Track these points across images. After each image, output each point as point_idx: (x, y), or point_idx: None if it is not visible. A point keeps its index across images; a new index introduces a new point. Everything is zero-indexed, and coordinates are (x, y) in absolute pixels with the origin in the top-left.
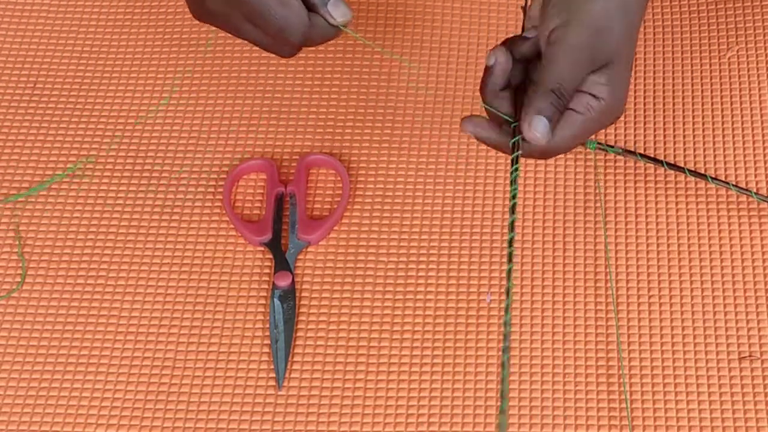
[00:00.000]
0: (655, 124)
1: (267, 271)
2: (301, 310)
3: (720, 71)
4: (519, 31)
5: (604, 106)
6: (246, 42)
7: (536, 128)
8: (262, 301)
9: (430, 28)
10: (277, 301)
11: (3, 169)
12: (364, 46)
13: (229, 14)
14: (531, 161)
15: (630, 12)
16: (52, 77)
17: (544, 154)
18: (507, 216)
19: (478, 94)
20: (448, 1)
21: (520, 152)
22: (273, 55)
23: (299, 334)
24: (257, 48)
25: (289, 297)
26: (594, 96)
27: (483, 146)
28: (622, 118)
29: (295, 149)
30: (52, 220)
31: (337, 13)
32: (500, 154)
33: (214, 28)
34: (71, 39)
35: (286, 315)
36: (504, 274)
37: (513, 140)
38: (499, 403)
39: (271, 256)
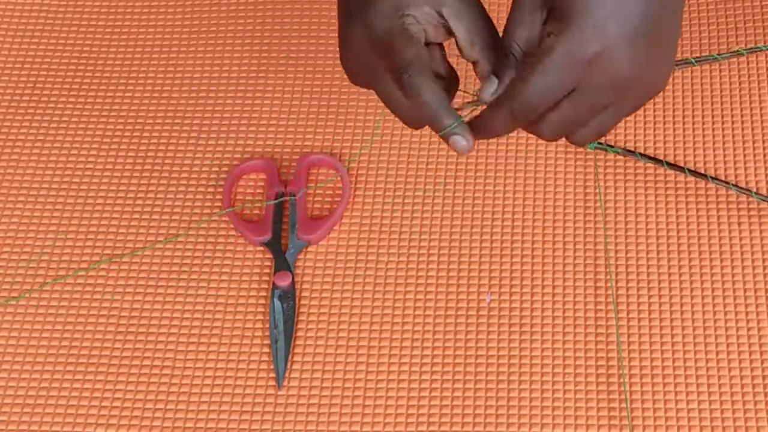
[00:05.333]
0: (655, 123)
1: (267, 271)
2: (301, 310)
3: (720, 71)
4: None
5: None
6: (245, 41)
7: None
8: (262, 301)
9: None
10: (277, 301)
11: (3, 169)
12: None
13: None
14: (529, 157)
15: None
16: (52, 77)
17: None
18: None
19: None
20: None
21: None
22: (272, 56)
23: (299, 334)
24: (256, 48)
25: (289, 297)
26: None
27: (483, 146)
28: None
29: (295, 149)
30: (53, 219)
31: (460, 146)
32: (500, 154)
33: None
34: (71, 39)
35: (286, 315)
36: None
37: None
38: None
39: (271, 256)
